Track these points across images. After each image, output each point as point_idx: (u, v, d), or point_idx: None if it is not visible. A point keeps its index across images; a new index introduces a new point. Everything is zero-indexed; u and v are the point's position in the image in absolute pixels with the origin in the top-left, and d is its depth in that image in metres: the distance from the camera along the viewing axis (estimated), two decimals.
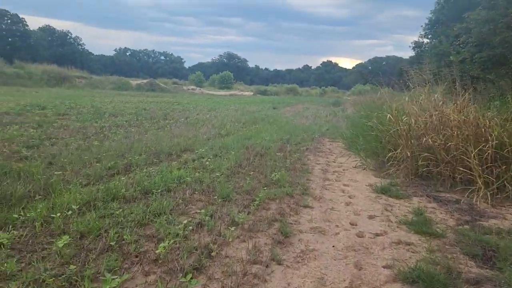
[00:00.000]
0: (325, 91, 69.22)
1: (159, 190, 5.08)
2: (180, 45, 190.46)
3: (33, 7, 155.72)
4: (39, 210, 3.91)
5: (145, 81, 47.45)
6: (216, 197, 5.10)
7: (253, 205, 4.85)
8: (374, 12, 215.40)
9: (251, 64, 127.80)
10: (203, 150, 8.39)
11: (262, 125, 14.45)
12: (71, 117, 13.21)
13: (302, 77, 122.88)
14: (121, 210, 4.24)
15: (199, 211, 4.51)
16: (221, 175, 6.21)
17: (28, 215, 3.84)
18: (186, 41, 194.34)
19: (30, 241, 3.47)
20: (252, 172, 6.60)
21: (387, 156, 7.56)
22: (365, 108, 14.12)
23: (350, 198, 5.78)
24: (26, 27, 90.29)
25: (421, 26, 26.22)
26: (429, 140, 6.69)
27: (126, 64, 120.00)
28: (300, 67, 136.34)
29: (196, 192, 5.26)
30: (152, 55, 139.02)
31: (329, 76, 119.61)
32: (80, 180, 5.27)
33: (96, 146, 8.02)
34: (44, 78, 37.51)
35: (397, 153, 7.32)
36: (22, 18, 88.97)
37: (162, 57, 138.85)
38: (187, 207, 4.64)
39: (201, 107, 22.19)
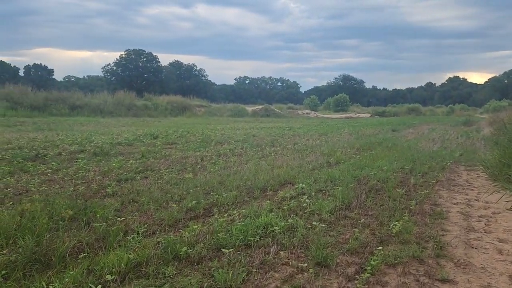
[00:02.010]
0: (453, 110, 62.63)
1: (236, 246, 3.90)
2: (296, 70, 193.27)
3: (166, 46, 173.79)
4: (67, 279, 3.00)
5: (260, 107, 48.08)
6: (309, 259, 3.71)
7: (362, 278, 3.35)
8: (505, 22, 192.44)
9: (368, 85, 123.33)
10: (305, 184, 7.06)
11: (379, 150, 12.58)
12: (177, 146, 13.05)
13: (425, 96, 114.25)
14: (170, 283, 3.12)
15: (280, 286, 3.18)
16: (320, 222, 4.79)
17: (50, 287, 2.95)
18: (302, 66, 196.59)
19: None
20: (363, 219, 5.04)
21: None
22: None
23: None
24: (159, 63, 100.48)
25: None
26: None
27: (245, 92, 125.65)
28: (423, 85, 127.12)
29: (284, 250, 3.94)
30: (269, 82, 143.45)
31: (456, 93, 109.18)
32: (145, 229, 4.36)
33: (187, 180, 7.26)
34: (168, 108, 40.19)
35: None
36: (155, 55, 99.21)
37: (279, 83, 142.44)
38: (264, 278, 3.34)
39: (312, 131, 20.94)
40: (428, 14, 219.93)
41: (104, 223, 4.25)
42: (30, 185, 6.46)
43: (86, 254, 3.54)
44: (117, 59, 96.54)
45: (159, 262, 3.46)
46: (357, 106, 70.95)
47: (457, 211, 5.83)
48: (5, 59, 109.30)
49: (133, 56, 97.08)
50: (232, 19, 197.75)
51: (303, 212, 5.22)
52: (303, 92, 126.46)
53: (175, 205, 5.28)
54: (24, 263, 3.31)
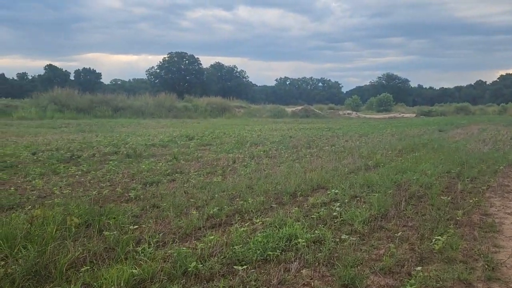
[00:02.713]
0: (505, 108, 58.93)
1: (253, 260, 3.51)
2: (338, 70, 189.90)
3: (208, 48, 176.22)
4: None
5: (299, 107, 47.42)
6: (335, 279, 3.25)
7: None
8: None
9: (413, 84, 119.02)
10: (338, 189, 6.54)
11: (423, 152, 11.76)
12: (211, 147, 12.83)
13: (475, 94, 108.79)
14: None
15: None
16: (352, 234, 4.30)
17: None
18: (344, 66, 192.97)
19: None
20: (400, 231, 4.48)
21: None
22: None
23: None
24: (200, 66, 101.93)
25: None
26: None
27: (285, 93, 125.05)
28: (472, 83, 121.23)
29: (307, 267, 3.49)
30: (310, 82, 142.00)
31: (509, 91, 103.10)
32: (159, 238, 4.05)
33: (214, 184, 6.95)
34: (208, 110, 40.43)
35: None
36: (197, 58, 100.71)
37: (320, 84, 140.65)
38: None
39: (352, 132, 20.16)
40: (476, 10, 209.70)
41: (115, 232, 3.98)
42: (55, 188, 6.38)
43: (89, 267, 3.26)
44: (160, 62, 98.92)
45: (165, 279, 3.12)
46: (402, 106, 68.51)
47: None
48: (58, 64, 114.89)
49: (176, 59, 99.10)
50: (273, 20, 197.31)
51: (333, 222, 4.74)
52: (344, 92, 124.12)
53: (195, 212, 4.95)
54: (22, 275, 3.08)
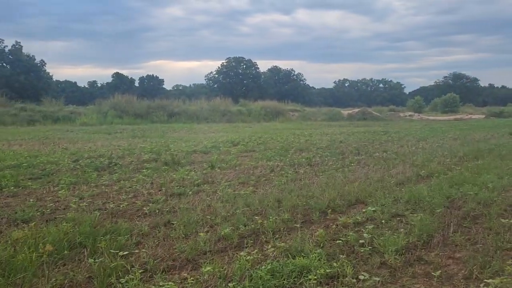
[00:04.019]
0: None
1: None
2: (401, 71, 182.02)
3: (266, 52, 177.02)
4: None
5: (356, 110, 45.72)
6: None
7: None
8: None
9: (483, 83, 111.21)
10: (378, 205, 5.73)
11: (488, 160, 10.43)
12: (254, 153, 12.32)
13: None
14: None
15: None
16: (380, 268, 3.54)
17: None
18: (407, 66, 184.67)
19: None
20: (445, 264, 3.65)
21: None
22: None
23: None
24: (257, 70, 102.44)
25: None
26: None
27: (344, 95, 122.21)
28: None
29: None
30: (371, 84, 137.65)
31: None
32: (153, 266, 3.57)
33: (242, 196, 6.41)
34: (262, 113, 40.11)
35: None
36: (254, 62, 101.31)
37: (381, 85, 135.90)
38: None
39: (410, 136, 18.74)
40: None
41: (102, 258, 3.56)
42: (75, 200, 6.17)
43: None
44: (218, 67, 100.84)
45: None
46: (470, 107, 64.02)
47: None
48: (124, 72, 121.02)
49: (233, 64, 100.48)
50: (333, 22, 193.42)
51: (361, 249, 4.00)
52: (407, 93, 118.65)
53: (202, 234, 4.42)
54: None
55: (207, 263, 3.57)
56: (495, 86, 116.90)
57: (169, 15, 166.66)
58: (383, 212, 5.43)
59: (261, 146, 14.15)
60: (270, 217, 5.09)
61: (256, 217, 5.14)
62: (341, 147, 13.85)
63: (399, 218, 5.18)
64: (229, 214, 5.39)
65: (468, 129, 23.60)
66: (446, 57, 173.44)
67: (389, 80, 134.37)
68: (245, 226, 4.81)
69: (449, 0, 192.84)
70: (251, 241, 4.34)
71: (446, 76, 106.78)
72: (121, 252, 3.70)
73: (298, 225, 4.88)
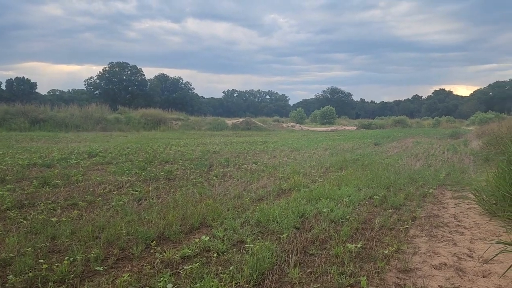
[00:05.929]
0: (439, 122, 61.59)
1: None
2: (286, 83, 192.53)
3: (155, 60, 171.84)
4: None
5: (240, 120, 45.91)
6: None
7: None
8: (490, 36, 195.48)
9: (356, 98, 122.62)
10: (222, 231, 4.82)
11: (351, 170, 10.43)
12: (110, 166, 10.73)
13: (412, 108, 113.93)
14: None
15: None
16: None
17: None
18: (292, 79, 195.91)
19: None
20: None
21: None
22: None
23: None
24: (143, 76, 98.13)
25: None
26: None
27: (233, 105, 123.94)
28: (410, 98, 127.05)
29: None
30: (258, 95, 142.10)
31: (442, 105, 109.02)
32: None
33: (52, 226, 4.97)
34: (142, 122, 37.78)
35: None
36: (140, 68, 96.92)
37: (268, 96, 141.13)
38: None
39: (285, 146, 18.75)
40: (414, 29, 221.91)
41: None
42: None
43: None
44: (100, 72, 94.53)
45: None
46: (344, 119, 69.45)
47: (443, 278, 3.63)
48: None
49: (117, 69, 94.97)
50: (222, 33, 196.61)
51: None
52: (291, 105, 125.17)
53: None
54: None
55: None
56: (366, 100, 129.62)
57: (45, 13, 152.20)
58: (224, 240, 4.52)
59: (122, 158, 12.56)
60: (71, 256, 3.81)
61: (43, 260, 3.78)
62: (212, 158, 12.97)
63: (239, 247, 4.31)
64: (14, 255, 3.96)
65: (340, 139, 24.73)
66: (325, 73, 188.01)
67: (275, 92, 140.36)
68: (35, 272, 3.45)
69: (327, 21, 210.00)
70: None
71: (324, 90, 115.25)
72: None
73: (101, 268, 3.67)
